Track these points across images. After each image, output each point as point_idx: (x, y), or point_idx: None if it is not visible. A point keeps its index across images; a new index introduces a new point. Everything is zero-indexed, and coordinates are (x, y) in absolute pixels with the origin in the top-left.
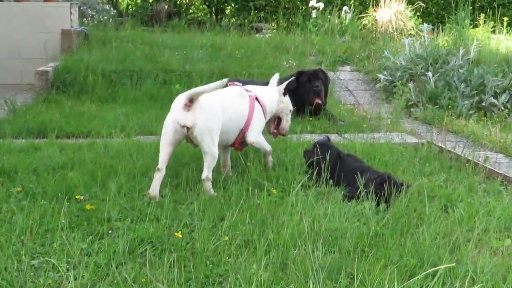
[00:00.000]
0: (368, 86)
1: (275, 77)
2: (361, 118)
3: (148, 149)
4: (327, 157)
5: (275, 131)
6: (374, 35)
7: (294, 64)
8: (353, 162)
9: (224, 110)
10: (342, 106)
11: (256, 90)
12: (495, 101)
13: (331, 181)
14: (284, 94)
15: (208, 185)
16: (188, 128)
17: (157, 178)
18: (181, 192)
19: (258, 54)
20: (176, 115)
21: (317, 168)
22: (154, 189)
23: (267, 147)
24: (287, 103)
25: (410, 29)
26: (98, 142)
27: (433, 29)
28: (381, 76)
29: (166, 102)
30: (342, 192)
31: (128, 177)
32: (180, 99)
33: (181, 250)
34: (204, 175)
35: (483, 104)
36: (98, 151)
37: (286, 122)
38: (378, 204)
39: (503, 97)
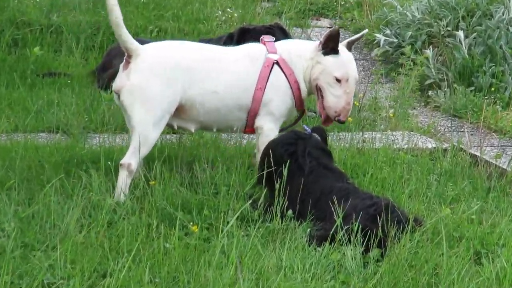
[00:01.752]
0: (358, 54)
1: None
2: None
3: None
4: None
5: (322, 111)
6: None
7: (236, 15)
8: (329, 180)
9: (190, 74)
10: None
11: (284, 48)
12: None
13: (290, 210)
14: (328, 52)
15: (123, 176)
16: (118, 95)
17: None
18: (36, 228)
19: None
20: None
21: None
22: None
23: None
24: (327, 65)
25: None
26: None
27: None
28: (380, 37)
29: (15, 76)
30: (308, 230)
31: None
32: None
33: None
34: (123, 160)
35: None
36: None
37: (333, 97)
38: (367, 250)
39: None
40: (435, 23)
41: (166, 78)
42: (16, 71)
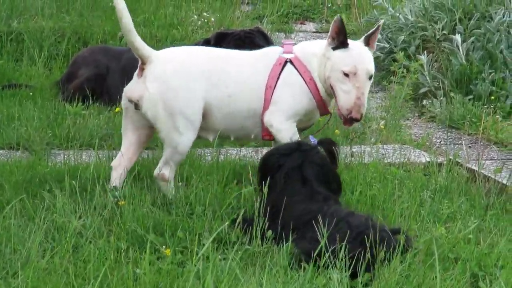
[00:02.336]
0: None
1: (377, 25)
2: (332, 117)
3: None
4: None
5: (338, 112)
6: None
7: (213, 19)
8: (301, 201)
9: (209, 77)
10: None
11: (298, 48)
12: None
13: (270, 231)
14: (338, 46)
15: (162, 185)
16: (136, 104)
17: (114, 178)
18: None
19: (146, 2)
20: (128, 85)
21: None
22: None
23: None
24: (334, 60)
25: None
26: None
27: None
28: None
29: None
30: (296, 251)
31: None
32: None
33: None
34: (156, 171)
35: None
36: None
37: (343, 93)
38: (355, 274)
39: None
40: (430, 27)
41: (185, 83)
42: None
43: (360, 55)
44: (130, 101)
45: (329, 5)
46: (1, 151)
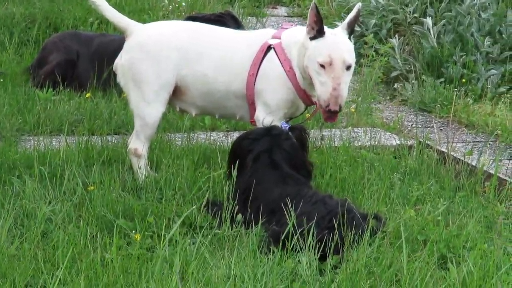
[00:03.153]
0: None
1: (355, 9)
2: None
3: None
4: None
5: (318, 105)
6: None
7: (184, 4)
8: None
9: (183, 54)
10: None
11: (286, 34)
12: None
13: (240, 215)
14: (316, 35)
15: (134, 162)
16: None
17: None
18: None
19: None
20: None
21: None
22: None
23: None
24: (311, 51)
25: None
26: None
27: None
28: None
29: None
30: (264, 235)
31: None
32: None
33: None
34: (129, 146)
35: None
36: None
37: (320, 85)
38: (324, 256)
39: None
40: (401, 10)
41: (156, 57)
42: None
43: (335, 44)
44: (114, 72)
45: None
46: None
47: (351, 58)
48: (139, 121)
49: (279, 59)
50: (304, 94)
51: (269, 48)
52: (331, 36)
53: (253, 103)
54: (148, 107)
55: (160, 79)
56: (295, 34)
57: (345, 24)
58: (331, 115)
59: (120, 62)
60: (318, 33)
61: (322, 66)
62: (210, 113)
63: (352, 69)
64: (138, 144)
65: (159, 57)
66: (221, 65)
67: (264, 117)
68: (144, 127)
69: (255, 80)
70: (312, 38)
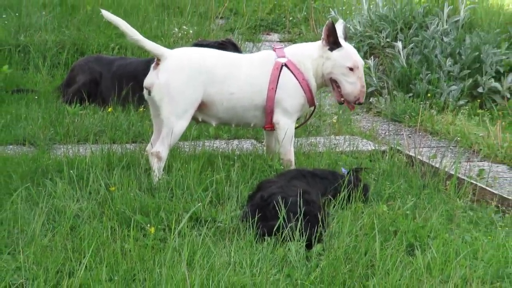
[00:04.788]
0: None
1: (340, 24)
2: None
3: None
4: None
5: (341, 100)
6: None
7: (191, 31)
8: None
9: (210, 76)
10: None
11: (292, 52)
12: (496, 85)
13: (239, 210)
14: (333, 47)
15: (154, 163)
16: (149, 91)
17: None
18: (5, 234)
19: (134, 17)
20: (146, 77)
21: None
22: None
23: (288, 142)
24: (337, 59)
25: None
26: None
27: None
28: None
29: None
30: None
31: None
32: None
33: None
34: (153, 149)
35: (479, 90)
36: None
37: (349, 85)
38: (309, 245)
39: (509, 79)
40: (376, 35)
41: (188, 78)
42: None
43: (354, 52)
44: (146, 88)
45: (290, 18)
46: (10, 146)
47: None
48: (167, 130)
49: (292, 73)
50: (311, 98)
51: (281, 66)
52: (349, 46)
53: (270, 112)
54: (177, 120)
55: (189, 97)
56: (303, 52)
57: (343, 39)
58: (354, 105)
59: (157, 81)
60: (335, 45)
61: (351, 69)
62: (228, 123)
63: None
64: (161, 148)
65: (190, 78)
66: (245, 83)
67: (283, 120)
68: (170, 136)
69: (275, 92)
70: (331, 49)
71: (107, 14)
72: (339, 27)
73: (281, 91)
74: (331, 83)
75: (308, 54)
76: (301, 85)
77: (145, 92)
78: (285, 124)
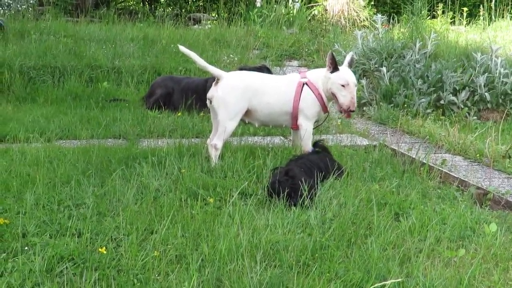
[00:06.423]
0: None
1: (349, 55)
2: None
3: (71, 155)
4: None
5: (340, 109)
6: (324, 27)
7: (236, 59)
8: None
9: (254, 92)
10: None
11: (310, 74)
12: (454, 98)
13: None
14: (333, 71)
15: (212, 152)
16: (210, 101)
17: (212, 152)
18: (107, 202)
19: (195, 48)
20: (209, 90)
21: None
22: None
23: (308, 138)
24: (334, 78)
25: (364, 20)
26: (13, 148)
27: (388, 20)
28: None
29: (91, 102)
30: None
31: (47, 187)
32: None
33: (105, 268)
34: (212, 142)
35: (442, 102)
36: (13, 158)
37: (343, 97)
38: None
39: (463, 94)
40: (367, 62)
41: (238, 93)
42: (92, 98)
43: (347, 74)
44: (208, 99)
45: (306, 50)
46: (109, 139)
47: (356, 81)
48: (222, 128)
49: (311, 90)
50: (325, 106)
51: (303, 84)
52: (344, 69)
53: (295, 117)
54: (230, 122)
55: (239, 106)
56: (317, 74)
57: (347, 64)
58: (349, 113)
59: (216, 94)
60: (334, 69)
61: (343, 86)
62: (267, 124)
63: (357, 86)
64: (218, 141)
65: (240, 93)
66: (278, 97)
67: (304, 123)
68: (225, 133)
69: (298, 103)
70: (332, 72)
71: (182, 48)
72: (348, 57)
73: (303, 102)
74: (333, 96)
75: (320, 75)
76: (317, 98)
77: (207, 101)
78: (306, 125)
